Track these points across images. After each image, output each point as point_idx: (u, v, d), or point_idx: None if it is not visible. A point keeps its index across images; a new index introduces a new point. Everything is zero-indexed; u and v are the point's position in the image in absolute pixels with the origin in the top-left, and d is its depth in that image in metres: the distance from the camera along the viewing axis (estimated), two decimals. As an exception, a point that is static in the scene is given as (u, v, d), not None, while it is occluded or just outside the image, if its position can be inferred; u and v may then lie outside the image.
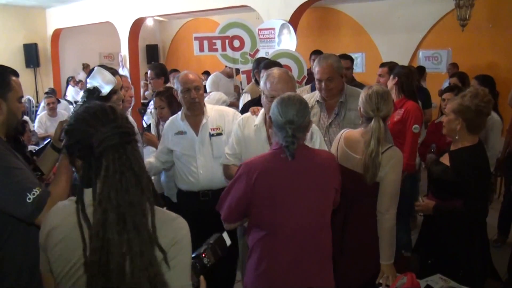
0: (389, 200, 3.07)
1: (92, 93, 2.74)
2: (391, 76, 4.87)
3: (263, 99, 3.21)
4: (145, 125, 5.70)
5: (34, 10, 15.24)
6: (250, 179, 2.50)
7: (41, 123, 8.40)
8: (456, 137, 3.28)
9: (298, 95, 2.67)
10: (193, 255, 2.04)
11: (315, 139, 3.30)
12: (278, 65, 4.77)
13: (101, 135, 1.62)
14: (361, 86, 5.50)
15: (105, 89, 2.78)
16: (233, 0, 10.17)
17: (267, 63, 4.80)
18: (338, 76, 3.86)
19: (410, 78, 4.80)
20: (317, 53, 7.40)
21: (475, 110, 3.17)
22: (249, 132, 3.40)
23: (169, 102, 4.57)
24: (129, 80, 5.38)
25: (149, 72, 7.20)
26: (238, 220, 2.70)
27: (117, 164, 1.60)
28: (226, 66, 7.73)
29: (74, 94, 13.36)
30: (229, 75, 7.58)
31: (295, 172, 2.54)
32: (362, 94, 3.19)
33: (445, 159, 3.37)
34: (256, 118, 3.41)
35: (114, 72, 3.35)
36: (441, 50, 11.57)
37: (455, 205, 3.22)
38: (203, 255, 2.08)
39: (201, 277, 2.02)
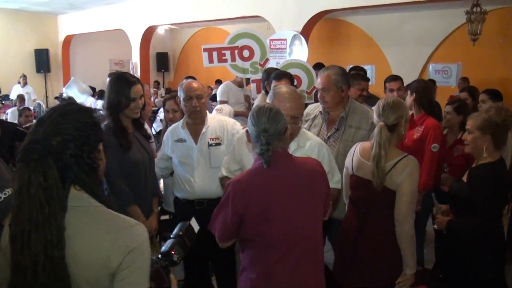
0: (406, 208, 3.04)
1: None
2: (409, 92, 4.69)
3: None
4: (154, 132, 5.72)
5: (46, 16, 15.38)
6: (240, 197, 2.47)
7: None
8: (484, 155, 3.19)
9: (269, 104, 2.67)
10: (162, 251, 2.03)
11: (323, 155, 3.21)
12: (288, 75, 4.78)
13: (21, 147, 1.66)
14: (374, 98, 5.51)
15: (80, 99, 2.79)
16: (246, 10, 10.23)
17: (278, 74, 4.77)
18: (336, 88, 3.77)
19: (427, 92, 4.64)
20: (318, 66, 7.41)
21: (501, 125, 3.15)
22: (247, 148, 3.35)
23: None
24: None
25: None
26: (234, 238, 2.66)
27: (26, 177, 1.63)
28: (236, 77, 7.73)
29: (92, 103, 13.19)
30: (240, 85, 7.58)
31: (282, 182, 2.52)
32: (379, 103, 3.21)
33: (466, 177, 3.33)
34: None
35: (136, 80, 3.41)
36: (451, 64, 11.58)
37: (468, 221, 3.18)
38: (173, 252, 2.04)
39: (172, 277, 2.00)
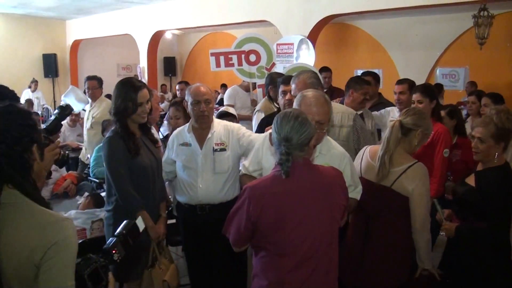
0: (424, 216, 3.10)
1: (64, 110, 2.78)
2: (427, 99, 4.51)
3: None
4: (161, 136, 5.74)
5: (54, 21, 15.47)
6: (256, 204, 2.43)
7: (60, 132, 8.45)
8: (495, 161, 3.18)
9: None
10: (103, 249, 2.04)
11: (344, 166, 3.11)
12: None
13: None
14: (387, 103, 5.50)
15: (77, 107, 2.81)
16: (252, 15, 10.23)
17: (286, 78, 4.75)
18: None
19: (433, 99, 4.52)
20: (324, 69, 7.45)
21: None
22: (269, 150, 3.32)
23: (185, 113, 4.61)
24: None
25: None
26: (247, 243, 2.62)
27: None
28: (243, 81, 7.75)
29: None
30: (247, 89, 7.59)
31: (300, 191, 2.47)
32: None
33: (471, 180, 3.30)
34: None
35: (142, 85, 3.43)
36: (459, 68, 11.55)
37: (478, 226, 3.17)
38: (114, 252, 2.04)
39: (110, 275, 2.02)
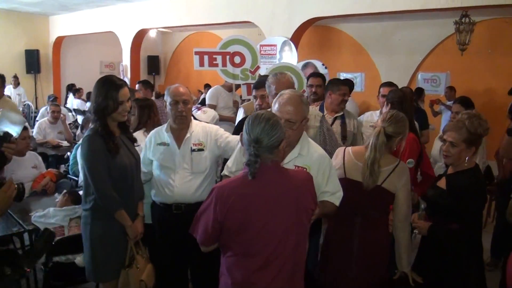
0: (406, 213, 3.25)
1: (5, 139, 2.61)
2: (385, 102, 4.59)
3: None
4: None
5: (37, 16, 15.34)
6: (223, 204, 2.42)
7: (40, 129, 8.39)
8: (466, 164, 3.25)
9: (269, 113, 2.55)
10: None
11: (324, 168, 3.07)
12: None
13: None
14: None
15: (17, 130, 2.66)
16: (236, 16, 10.25)
17: (258, 83, 4.69)
18: None
19: (404, 103, 4.41)
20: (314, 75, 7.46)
21: (483, 135, 3.23)
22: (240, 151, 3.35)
23: (140, 111, 4.73)
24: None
25: None
26: (215, 243, 2.59)
27: None
28: (225, 81, 7.75)
29: (80, 106, 12.94)
30: (230, 89, 7.60)
31: (267, 194, 2.46)
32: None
33: (442, 183, 3.38)
34: None
35: (123, 83, 3.41)
36: (440, 73, 11.68)
37: (450, 227, 3.22)
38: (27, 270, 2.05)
39: None
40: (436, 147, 5.13)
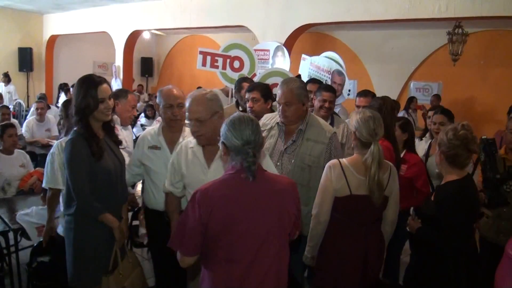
0: (398, 208, 3.37)
1: None
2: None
3: None
4: (134, 137, 5.67)
5: (31, 14, 15.28)
6: (207, 205, 2.38)
7: (28, 128, 8.36)
8: (455, 176, 3.23)
9: (246, 115, 2.58)
10: None
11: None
12: (264, 85, 4.75)
13: None
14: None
15: None
16: (230, 20, 10.26)
17: (250, 87, 4.77)
18: (298, 102, 3.67)
19: (382, 110, 4.07)
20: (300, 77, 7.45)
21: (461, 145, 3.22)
22: (186, 157, 3.31)
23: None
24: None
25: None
26: (198, 251, 2.51)
27: None
28: (225, 86, 7.74)
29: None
30: (227, 94, 7.59)
31: (255, 196, 2.46)
32: (356, 118, 3.22)
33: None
34: (191, 141, 3.32)
35: (102, 80, 3.26)
36: (432, 83, 11.72)
37: (436, 235, 3.19)
38: None
39: None
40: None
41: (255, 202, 2.46)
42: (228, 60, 7.56)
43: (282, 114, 3.72)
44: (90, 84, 3.20)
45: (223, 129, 2.52)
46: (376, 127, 3.14)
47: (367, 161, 3.12)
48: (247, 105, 4.50)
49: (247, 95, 4.54)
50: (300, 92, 3.68)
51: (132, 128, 6.04)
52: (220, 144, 2.58)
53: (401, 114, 10.55)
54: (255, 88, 4.59)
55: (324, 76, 7.08)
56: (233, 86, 7.44)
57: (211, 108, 3.09)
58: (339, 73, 7.06)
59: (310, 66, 7.43)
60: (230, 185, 2.46)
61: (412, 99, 10.78)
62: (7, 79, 13.25)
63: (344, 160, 3.28)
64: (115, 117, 4.21)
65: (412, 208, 3.49)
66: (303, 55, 7.81)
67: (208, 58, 7.62)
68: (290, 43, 9.27)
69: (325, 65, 7.20)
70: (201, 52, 7.66)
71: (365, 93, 5.07)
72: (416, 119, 10.65)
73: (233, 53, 7.60)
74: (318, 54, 7.79)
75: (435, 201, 3.25)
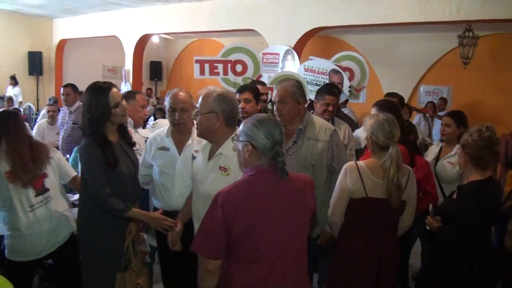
0: (413, 214, 3.36)
1: None
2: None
3: None
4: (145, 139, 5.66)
5: (41, 19, 15.34)
6: (230, 206, 2.36)
7: (39, 131, 8.36)
8: (478, 176, 3.26)
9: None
10: None
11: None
12: (254, 87, 4.83)
13: None
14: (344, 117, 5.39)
15: None
16: (239, 24, 10.27)
17: (240, 87, 4.91)
18: (292, 101, 3.67)
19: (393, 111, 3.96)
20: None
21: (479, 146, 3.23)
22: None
23: None
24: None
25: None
26: (222, 253, 2.46)
27: None
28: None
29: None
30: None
31: (279, 196, 2.45)
32: (371, 122, 3.22)
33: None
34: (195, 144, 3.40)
35: (110, 86, 3.27)
36: (442, 87, 11.67)
37: (457, 235, 3.19)
38: None
39: None
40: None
41: (278, 202, 2.45)
42: (229, 65, 7.49)
43: (278, 113, 3.74)
44: (99, 92, 3.22)
45: (247, 129, 2.49)
46: (392, 129, 3.14)
47: (386, 164, 3.12)
48: (240, 106, 4.39)
49: (238, 96, 4.52)
50: (294, 90, 3.71)
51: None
52: (240, 145, 2.55)
53: (417, 118, 10.56)
54: (247, 89, 4.67)
55: (322, 78, 7.00)
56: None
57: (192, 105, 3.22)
58: (336, 71, 6.99)
59: (304, 72, 7.26)
60: (254, 186, 2.45)
61: (401, 100, 10.70)
62: (14, 81, 13.34)
63: (361, 162, 3.29)
64: (129, 120, 4.22)
65: (431, 206, 3.48)
66: (311, 57, 7.76)
67: (206, 65, 7.54)
68: (299, 47, 9.26)
69: (320, 68, 7.11)
70: (197, 61, 7.59)
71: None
72: (432, 124, 10.59)
73: (234, 57, 7.53)
74: (327, 57, 7.75)
75: (457, 200, 3.24)
